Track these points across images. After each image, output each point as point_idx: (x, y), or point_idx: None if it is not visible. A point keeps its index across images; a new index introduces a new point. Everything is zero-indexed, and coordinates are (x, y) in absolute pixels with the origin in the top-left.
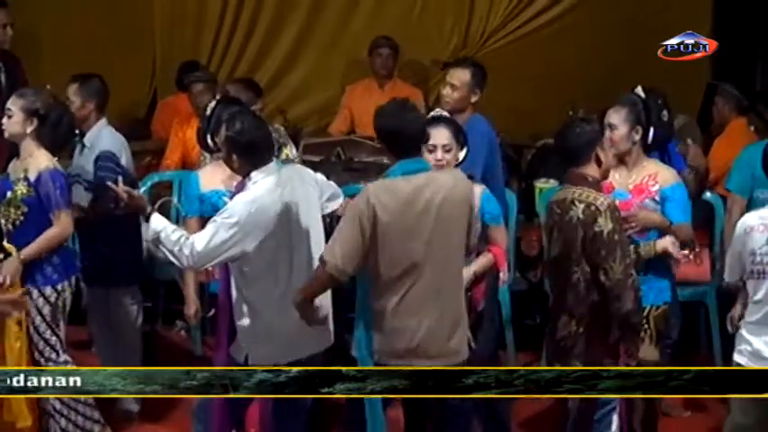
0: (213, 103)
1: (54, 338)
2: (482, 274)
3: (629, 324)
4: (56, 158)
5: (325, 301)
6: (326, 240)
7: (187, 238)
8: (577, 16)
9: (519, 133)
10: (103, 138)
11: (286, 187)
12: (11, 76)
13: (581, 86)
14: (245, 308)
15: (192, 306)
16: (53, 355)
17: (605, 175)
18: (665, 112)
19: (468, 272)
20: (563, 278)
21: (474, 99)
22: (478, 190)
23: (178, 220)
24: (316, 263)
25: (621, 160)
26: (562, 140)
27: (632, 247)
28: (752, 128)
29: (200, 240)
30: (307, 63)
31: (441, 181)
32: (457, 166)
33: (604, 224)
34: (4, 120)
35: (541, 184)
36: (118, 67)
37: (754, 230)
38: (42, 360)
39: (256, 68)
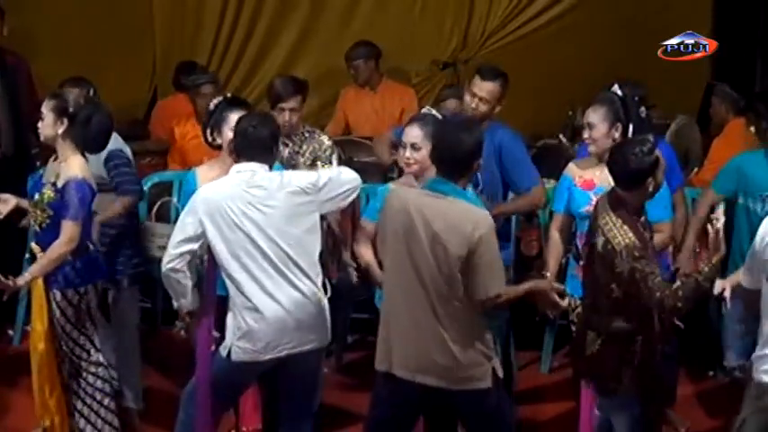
0: (217, 100)
1: (83, 338)
2: None
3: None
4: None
5: (318, 302)
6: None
7: None
8: (577, 16)
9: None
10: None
11: (257, 188)
12: (12, 76)
13: (581, 87)
14: (229, 303)
15: None
16: (84, 355)
17: (648, 198)
18: (642, 109)
19: None
20: (595, 296)
21: (498, 109)
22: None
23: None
24: (299, 266)
25: (601, 158)
26: (620, 162)
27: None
28: (751, 128)
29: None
30: (307, 64)
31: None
32: None
33: (622, 266)
34: (39, 123)
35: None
36: (117, 66)
37: None
38: (75, 359)
39: (256, 69)
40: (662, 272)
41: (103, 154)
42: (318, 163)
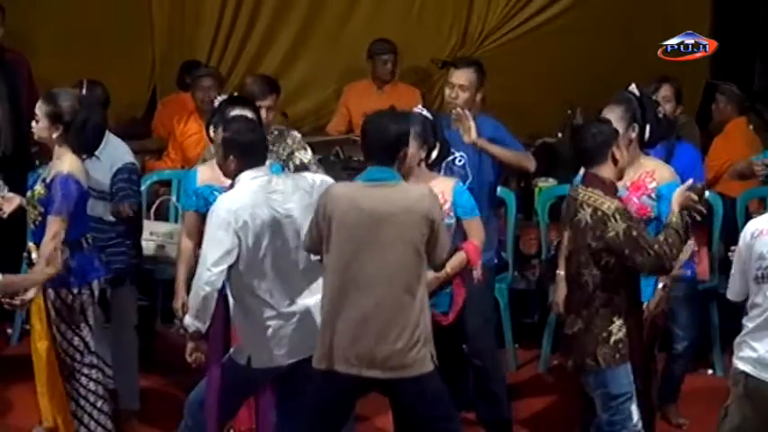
0: (222, 98)
1: (77, 339)
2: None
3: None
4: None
5: None
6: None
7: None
8: (576, 15)
9: (517, 132)
10: (119, 148)
11: (275, 192)
12: (12, 74)
13: (579, 85)
14: (244, 311)
15: (179, 300)
16: (77, 356)
17: (621, 175)
18: (660, 109)
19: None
20: (574, 276)
21: (479, 97)
22: (451, 183)
23: (177, 219)
24: (309, 269)
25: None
26: (578, 141)
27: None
28: (750, 127)
29: (203, 263)
30: (306, 62)
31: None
32: (435, 162)
33: (616, 226)
34: (33, 123)
35: (540, 182)
36: (116, 65)
37: (763, 234)
38: (68, 360)
39: (255, 67)
40: None
41: (117, 164)
42: (295, 153)
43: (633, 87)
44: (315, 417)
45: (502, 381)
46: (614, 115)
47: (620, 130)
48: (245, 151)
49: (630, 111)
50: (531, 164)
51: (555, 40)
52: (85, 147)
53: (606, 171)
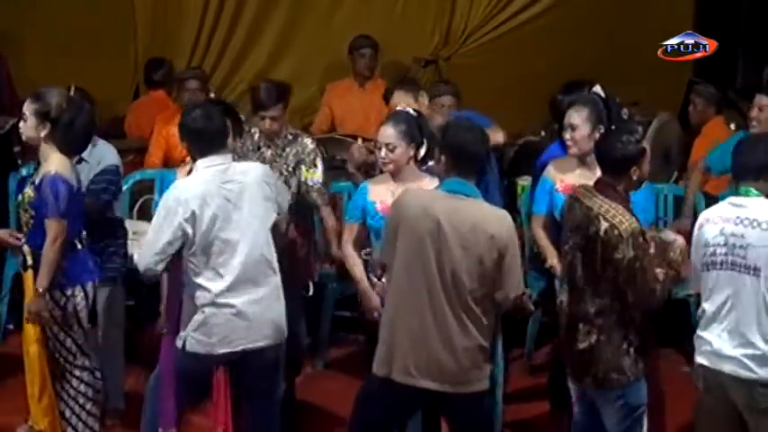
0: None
1: (69, 341)
2: None
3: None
4: (73, 160)
5: (277, 299)
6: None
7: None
8: (558, 14)
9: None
10: (107, 152)
11: (231, 182)
12: None
13: (562, 84)
14: (189, 295)
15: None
16: (70, 358)
17: (633, 188)
18: (625, 110)
19: None
20: (584, 284)
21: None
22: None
23: None
24: (258, 261)
25: (582, 160)
26: (607, 149)
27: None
28: (732, 125)
29: (146, 246)
30: (290, 61)
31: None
32: (423, 161)
33: (626, 251)
34: (21, 123)
35: (523, 181)
36: (99, 64)
37: (710, 221)
38: (61, 361)
39: (238, 67)
40: None
41: (103, 164)
42: (302, 166)
43: (598, 88)
44: (366, 422)
45: (499, 384)
46: (580, 117)
47: (586, 132)
48: (194, 138)
49: (596, 112)
50: (499, 136)
51: (538, 38)
52: (73, 147)
53: (621, 183)
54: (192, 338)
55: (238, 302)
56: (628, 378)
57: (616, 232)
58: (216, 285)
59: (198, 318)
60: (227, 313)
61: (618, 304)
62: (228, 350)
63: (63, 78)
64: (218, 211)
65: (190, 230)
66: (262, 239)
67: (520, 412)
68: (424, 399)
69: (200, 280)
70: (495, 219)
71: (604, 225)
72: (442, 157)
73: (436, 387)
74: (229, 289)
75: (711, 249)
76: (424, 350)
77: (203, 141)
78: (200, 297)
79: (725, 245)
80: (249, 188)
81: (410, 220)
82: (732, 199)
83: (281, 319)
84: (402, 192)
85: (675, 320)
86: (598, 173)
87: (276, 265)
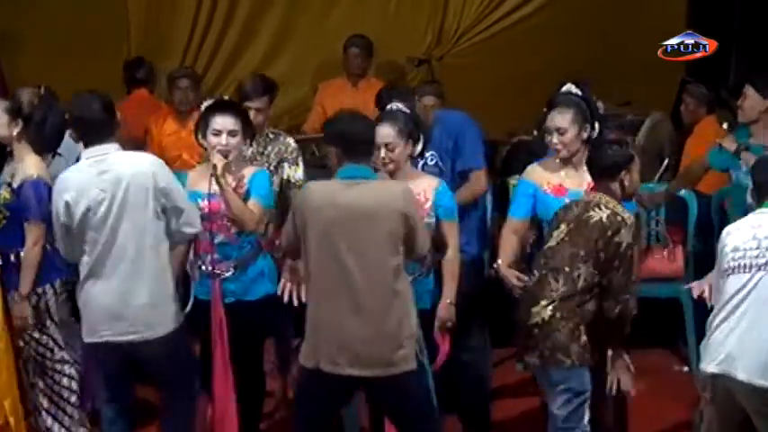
0: (207, 103)
1: (45, 338)
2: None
3: (617, 326)
4: (47, 161)
5: (163, 287)
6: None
7: None
8: (551, 14)
9: (493, 130)
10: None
11: (107, 173)
12: None
13: (555, 83)
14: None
15: None
16: (48, 354)
17: (625, 196)
18: (599, 104)
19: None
20: (562, 267)
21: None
22: (434, 183)
23: None
24: (138, 255)
25: (568, 160)
26: (597, 157)
27: None
28: (724, 125)
29: None
30: (284, 61)
31: (372, 190)
32: (418, 157)
33: (625, 237)
34: None
35: (516, 180)
36: (91, 63)
37: (739, 230)
38: (39, 358)
39: (232, 66)
40: None
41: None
42: (285, 164)
43: (572, 87)
44: (306, 418)
45: (487, 377)
46: (566, 119)
47: (574, 133)
48: (75, 126)
49: (581, 112)
50: (480, 187)
51: (530, 38)
52: (45, 145)
53: (615, 188)
54: (83, 323)
55: (113, 290)
56: (572, 362)
57: (619, 218)
58: (92, 272)
59: (81, 303)
60: (102, 303)
61: (592, 291)
62: (97, 341)
63: (59, 79)
64: (92, 202)
65: (65, 219)
66: (140, 223)
67: (509, 408)
68: (354, 385)
69: (81, 266)
70: (396, 193)
71: (606, 212)
72: (332, 149)
73: (363, 373)
74: (101, 277)
75: (741, 253)
76: (347, 338)
77: (83, 129)
78: (81, 283)
79: (758, 248)
80: (126, 177)
81: (314, 213)
82: (759, 212)
83: (168, 310)
84: (301, 190)
85: (669, 321)
86: (583, 172)
87: (164, 248)
